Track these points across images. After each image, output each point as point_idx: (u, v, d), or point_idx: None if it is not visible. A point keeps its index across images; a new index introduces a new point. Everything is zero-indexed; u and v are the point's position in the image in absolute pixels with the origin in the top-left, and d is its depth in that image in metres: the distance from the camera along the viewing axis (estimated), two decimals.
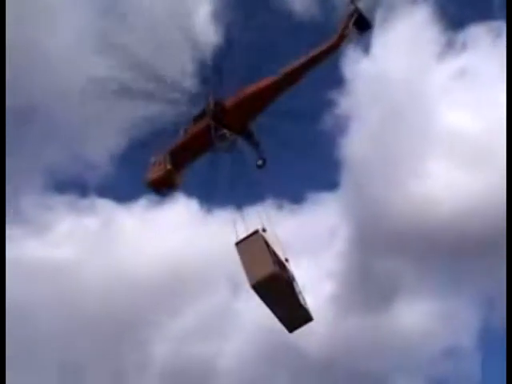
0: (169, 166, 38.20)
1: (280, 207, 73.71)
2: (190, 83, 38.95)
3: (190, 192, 58.16)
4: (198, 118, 38.59)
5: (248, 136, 38.82)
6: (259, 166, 38.38)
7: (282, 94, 37.99)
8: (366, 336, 68.90)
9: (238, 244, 32.90)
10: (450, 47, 78.90)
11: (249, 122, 38.54)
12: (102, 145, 71.91)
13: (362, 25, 37.21)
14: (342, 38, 36.48)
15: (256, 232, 32.86)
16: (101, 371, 66.43)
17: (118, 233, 71.90)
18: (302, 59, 36.71)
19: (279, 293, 32.03)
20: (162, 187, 39.05)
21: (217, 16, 50.44)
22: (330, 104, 74.00)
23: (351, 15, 36.71)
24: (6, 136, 40.77)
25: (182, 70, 38.97)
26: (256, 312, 57.67)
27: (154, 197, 55.27)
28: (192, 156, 38.86)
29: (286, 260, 34.00)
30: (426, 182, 72.48)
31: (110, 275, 68.15)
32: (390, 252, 70.78)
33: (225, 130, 37.31)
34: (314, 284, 71.56)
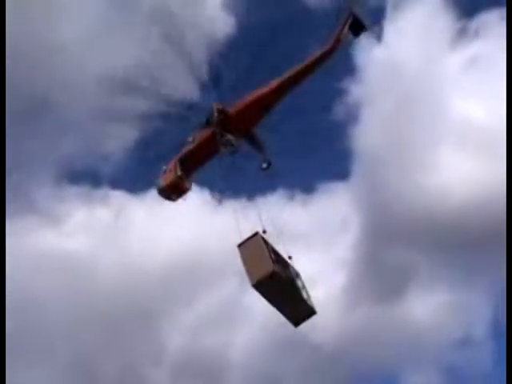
0: (179, 173, 39.84)
1: (291, 197, 73.95)
2: (194, 92, 40.57)
3: (202, 182, 58.33)
4: (203, 126, 40.05)
5: (252, 140, 40.20)
6: (264, 169, 39.78)
7: (284, 98, 39.28)
8: (377, 326, 69.15)
9: (239, 246, 34.29)
10: (462, 35, 78.32)
11: (252, 127, 39.87)
12: (115, 136, 72.09)
13: (358, 28, 38.43)
14: (338, 42, 37.71)
15: (256, 234, 34.14)
16: (113, 362, 66.96)
17: (130, 224, 72.22)
18: (300, 65, 38.06)
19: (280, 290, 33.34)
20: (173, 193, 40.68)
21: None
22: (341, 93, 73.96)
23: (346, 20, 37.91)
24: (5, 135, 41.94)
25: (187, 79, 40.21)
26: (267, 303, 57.81)
27: None
28: (200, 162, 40.44)
29: (290, 257, 35.29)
30: (439, 172, 72.27)
31: (123, 266, 68.70)
32: (402, 242, 70.83)
33: (230, 136, 38.65)
34: (326, 274, 71.83)
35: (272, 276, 32.53)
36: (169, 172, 40.42)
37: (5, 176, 44.02)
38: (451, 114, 73.84)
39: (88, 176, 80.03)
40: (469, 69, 76.36)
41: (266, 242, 34.12)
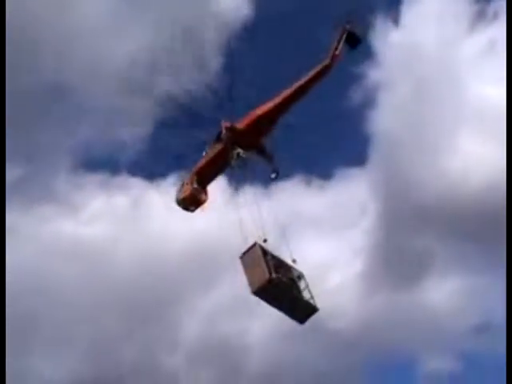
0: (195, 186, 42.57)
1: (309, 183, 74.19)
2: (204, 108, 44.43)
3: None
4: (215, 141, 42.54)
5: (261, 151, 42.52)
6: (273, 179, 42.49)
7: (290, 110, 41.62)
8: (394, 312, 69.60)
9: (241, 257, 36.95)
10: (480, 18, 77.29)
11: (261, 139, 42.28)
12: (134, 124, 72.39)
13: (353, 41, 40.39)
14: (335, 58, 39.72)
15: (254, 245, 36.66)
16: (130, 347, 67.90)
17: (148, 211, 72.58)
18: (300, 82, 40.19)
19: (281, 294, 36.05)
20: (191, 205, 43.29)
21: None
22: (359, 77, 73.56)
23: (341, 35, 39.87)
24: (5, 132, 43.29)
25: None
26: None
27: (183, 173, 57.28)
28: (214, 175, 43.10)
29: (294, 261, 37.68)
30: (457, 157, 71.83)
31: (141, 253, 69.15)
32: (420, 228, 71.10)
33: (239, 150, 40.97)
34: (343, 260, 72.12)
35: (269, 283, 35.07)
36: (186, 185, 43.06)
37: (5, 170, 45.85)
38: (469, 97, 73.45)
39: (106, 163, 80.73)
40: (487, 52, 75.42)
41: (264, 250, 36.52)
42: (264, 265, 35.55)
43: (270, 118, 41.38)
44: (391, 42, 73.87)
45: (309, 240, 69.69)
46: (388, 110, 74.52)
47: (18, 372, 60.99)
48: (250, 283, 35.91)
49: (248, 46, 63.21)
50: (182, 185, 43.51)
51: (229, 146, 41.10)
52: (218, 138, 42.22)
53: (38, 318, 68.95)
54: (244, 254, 36.89)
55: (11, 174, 72.13)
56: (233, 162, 40.84)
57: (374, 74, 74.76)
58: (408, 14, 75.64)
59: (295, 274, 37.37)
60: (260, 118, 41.32)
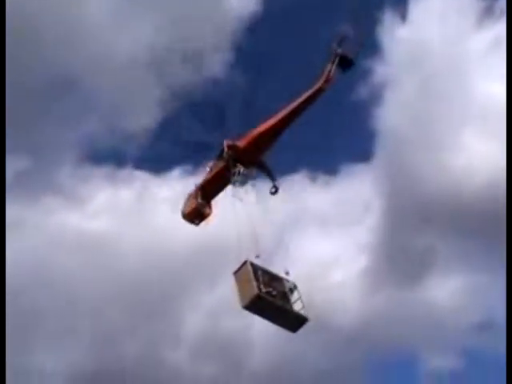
0: (200, 200, 45.06)
1: (314, 179, 74.23)
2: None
3: None
4: (218, 158, 44.99)
5: (262, 167, 45.06)
6: (272, 193, 44.88)
7: (287, 129, 43.95)
8: (397, 309, 70.04)
9: (234, 273, 39.44)
10: (488, 14, 76.75)
11: (261, 156, 44.76)
12: (139, 117, 72.50)
13: (345, 65, 42.42)
14: (327, 82, 41.94)
15: (245, 262, 39.01)
16: (134, 341, 68.43)
17: (154, 204, 72.74)
18: (294, 104, 42.57)
19: (269, 308, 38.47)
20: (196, 218, 45.76)
21: None
22: (365, 73, 73.24)
23: (334, 59, 42.02)
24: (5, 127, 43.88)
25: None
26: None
27: (188, 166, 57.84)
28: (217, 190, 45.28)
29: (287, 273, 40.01)
30: (461, 154, 71.74)
31: (146, 247, 69.34)
32: (423, 225, 71.19)
33: (241, 167, 43.48)
34: (347, 257, 72.24)
35: (258, 299, 37.65)
36: (191, 199, 45.63)
37: (5, 167, 47.23)
38: (475, 94, 73.62)
39: (111, 156, 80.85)
40: (494, 49, 75.05)
41: (255, 267, 38.91)
42: (253, 281, 37.86)
43: (269, 137, 43.86)
44: (398, 37, 73.79)
45: (313, 236, 69.73)
46: (394, 106, 74.42)
47: (19, 365, 61.80)
48: (241, 298, 38.37)
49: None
50: (188, 198, 45.89)
51: (230, 163, 43.54)
52: (221, 155, 44.59)
53: (41, 310, 69.86)
54: (236, 271, 39.27)
55: (17, 166, 72.71)
56: (234, 179, 43.13)
57: (380, 70, 74.59)
58: (415, 10, 75.57)
59: (287, 286, 39.58)
60: (259, 137, 43.76)
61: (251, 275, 38.18)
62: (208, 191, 45.26)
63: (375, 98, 75.62)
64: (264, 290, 37.90)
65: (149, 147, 76.20)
